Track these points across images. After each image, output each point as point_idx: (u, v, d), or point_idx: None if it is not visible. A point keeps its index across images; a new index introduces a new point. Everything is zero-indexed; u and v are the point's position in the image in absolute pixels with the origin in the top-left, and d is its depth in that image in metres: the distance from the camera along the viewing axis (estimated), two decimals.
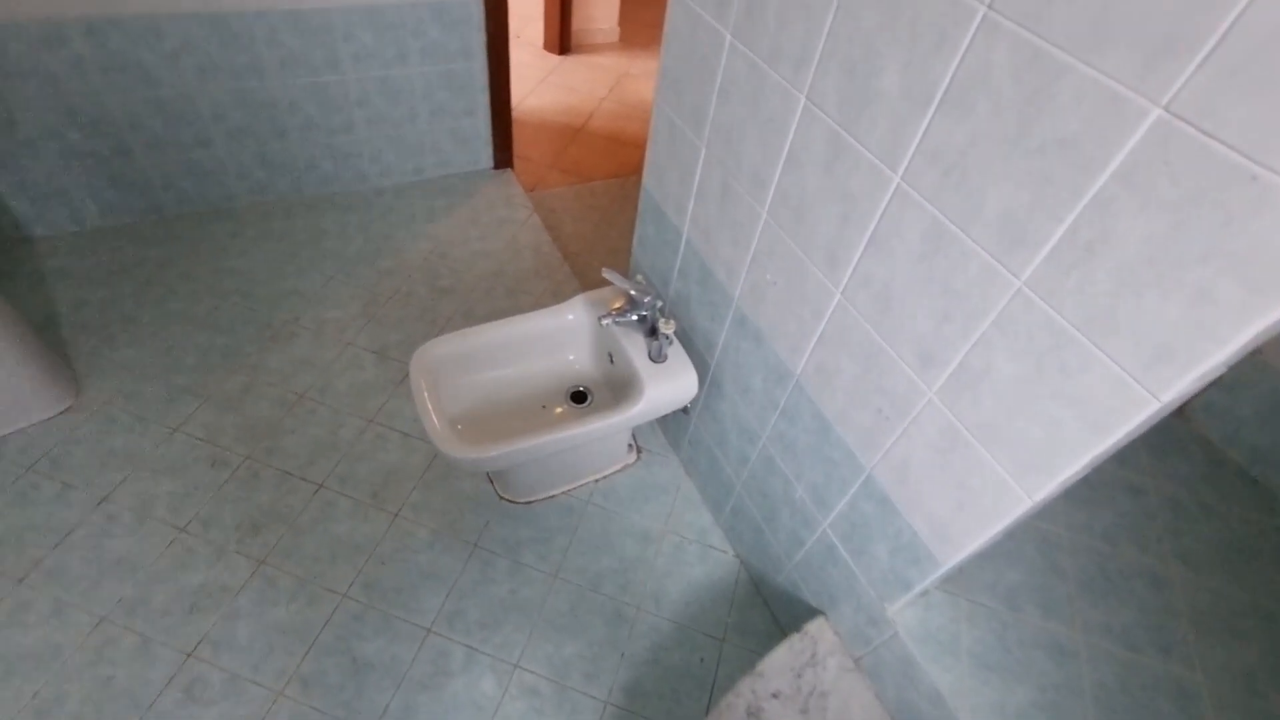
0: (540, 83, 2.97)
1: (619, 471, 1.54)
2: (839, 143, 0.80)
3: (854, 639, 1.07)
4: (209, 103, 1.74)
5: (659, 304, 1.24)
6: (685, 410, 1.44)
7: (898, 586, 0.94)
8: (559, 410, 1.35)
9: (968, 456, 0.76)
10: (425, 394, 1.16)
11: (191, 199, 1.91)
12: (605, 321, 1.23)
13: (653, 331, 1.25)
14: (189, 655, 1.18)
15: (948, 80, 0.64)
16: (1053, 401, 0.64)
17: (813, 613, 1.18)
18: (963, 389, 0.74)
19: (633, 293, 1.22)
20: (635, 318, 1.24)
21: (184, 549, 1.30)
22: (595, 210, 2.31)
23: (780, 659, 1.09)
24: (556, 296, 1.91)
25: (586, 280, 1.99)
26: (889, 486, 0.90)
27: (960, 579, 1.02)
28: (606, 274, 1.21)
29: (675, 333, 1.32)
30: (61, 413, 1.46)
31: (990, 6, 0.59)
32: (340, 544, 1.34)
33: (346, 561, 1.32)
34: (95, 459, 1.40)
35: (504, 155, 2.31)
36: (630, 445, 1.57)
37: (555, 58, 3.17)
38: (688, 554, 1.42)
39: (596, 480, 1.52)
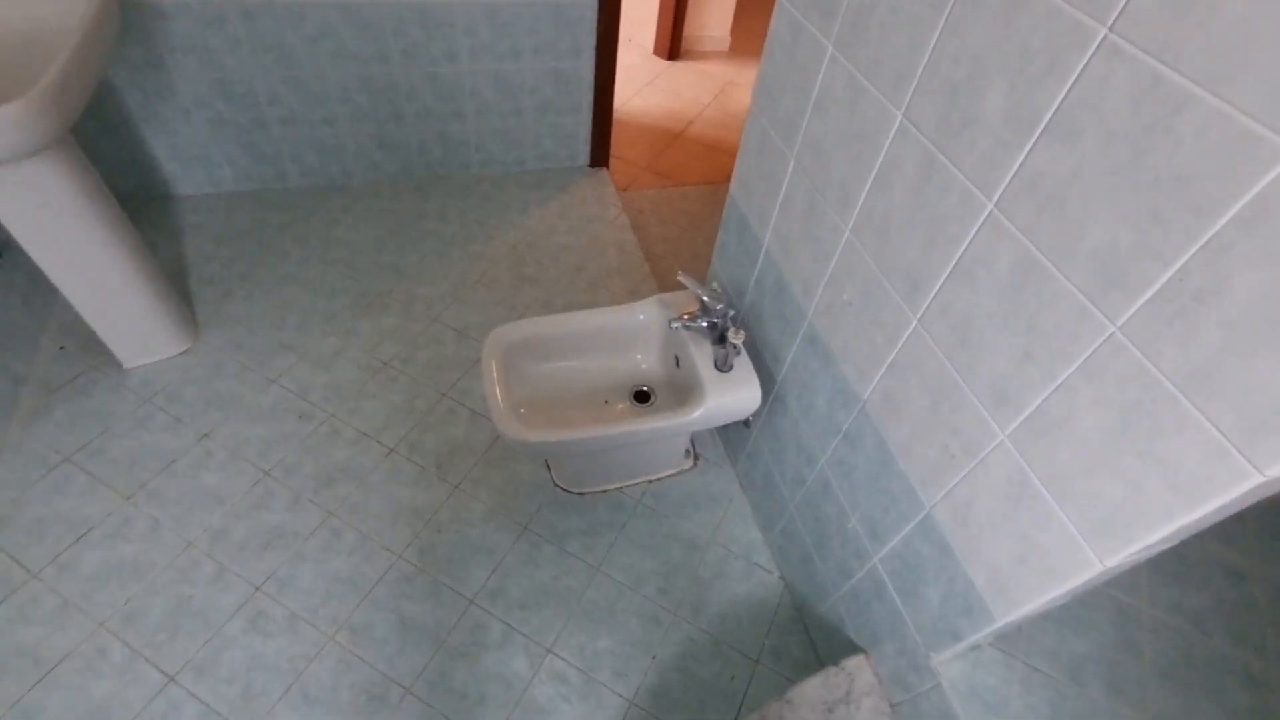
0: (645, 86, 3.01)
1: (673, 475, 1.54)
2: (932, 164, 0.76)
3: (893, 683, 1.02)
4: (338, 85, 1.88)
5: (731, 313, 1.23)
6: (746, 423, 1.42)
7: (946, 636, 0.89)
8: (621, 407, 1.37)
9: (1036, 508, 0.71)
10: (494, 375, 1.21)
11: (313, 172, 2.07)
12: (675, 325, 1.23)
13: (721, 339, 1.24)
14: (257, 589, 1.28)
15: (1056, 105, 0.60)
16: (1137, 460, 0.59)
17: (854, 649, 1.13)
18: (1038, 435, 0.69)
19: (705, 299, 1.22)
20: (705, 324, 1.24)
21: (265, 491, 1.41)
22: (684, 215, 2.32)
23: (812, 690, 1.05)
24: (634, 295, 1.93)
25: (665, 283, 2.00)
26: (948, 528, 0.85)
27: (1018, 639, 0.95)
28: (682, 277, 1.21)
29: (744, 344, 1.30)
30: (180, 354, 1.62)
31: (1111, 29, 0.55)
32: (402, 507, 1.42)
33: (405, 525, 1.39)
34: (202, 399, 1.55)
35: (601, 154, 2.36)
36: (688, 451, 1.57)
37: (664, 62, 3.20)
38: (732, 568, 1.40)
39: (650, 481, 1.52)
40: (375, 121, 2.00)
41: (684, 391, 1.31)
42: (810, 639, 1.30)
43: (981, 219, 0.71)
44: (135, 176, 1.92)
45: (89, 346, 1.58)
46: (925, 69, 0.75)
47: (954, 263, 0.76)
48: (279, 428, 1.52)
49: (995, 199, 0.69)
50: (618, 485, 1.50)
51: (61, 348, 1.59)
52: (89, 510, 1.34)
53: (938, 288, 0.79)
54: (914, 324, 0.85)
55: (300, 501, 1.40)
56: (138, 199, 1.96)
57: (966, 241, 0.74)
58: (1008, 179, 0.67)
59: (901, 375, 0.89)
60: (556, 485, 1.49)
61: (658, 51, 3.23)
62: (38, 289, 1.61)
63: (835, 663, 1.10)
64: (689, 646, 1.28)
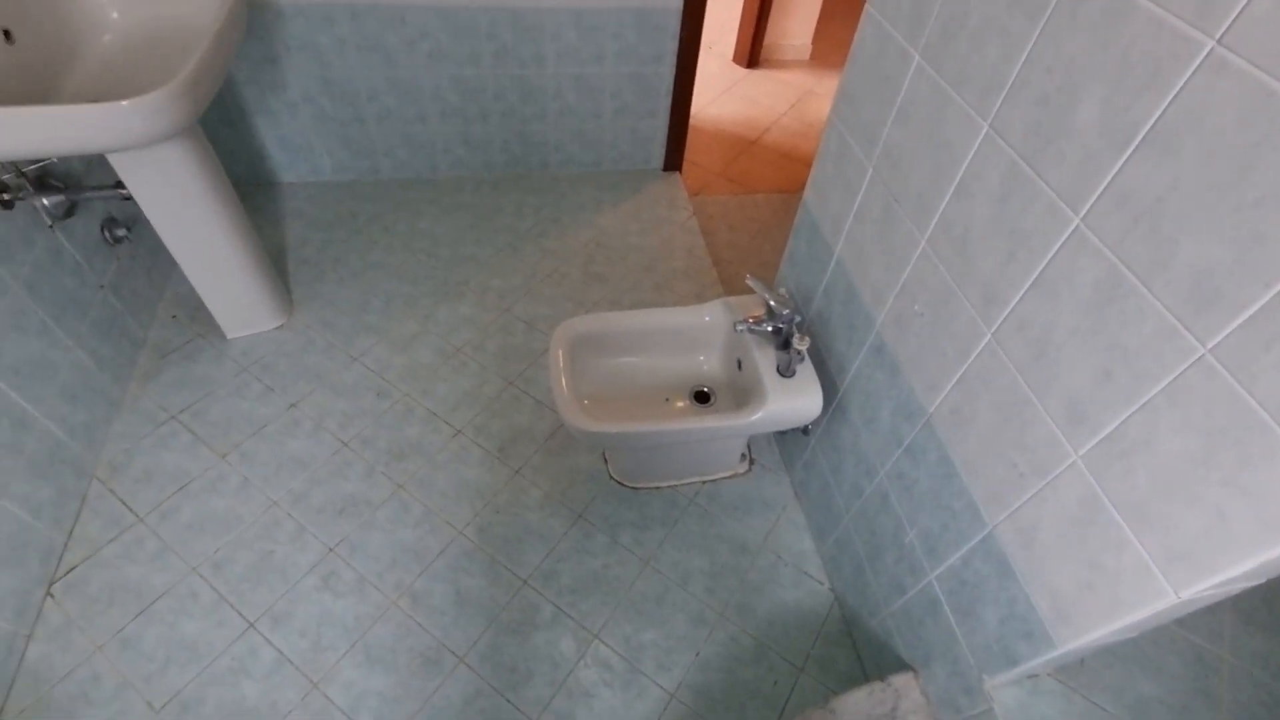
0: (723, 93, 3.03)
1: (728, 478, 1.54)
2: (1017, 175, 0.75)
3: (942, 704, 1.00)
4: (431, 85, 1.99)
5: (797, 319, 1.23)
6: (805, 431, 1.41)
7: (1001, 659, 0.87)
8: (681, 405, 1.39)
9: (1108, 533, 0.68)
10: (561, 365, 1.25)
11: (403, 166, 2.20)
12: (740, 328, 1.24)
13: (785, 345, 1.24)
14: (331, 550, 1.36)
15: (1155, 118, 0.59)
16: (1222, 489, 0.56)
17: (902, 666, 1.11)
18: (1114, 458, 0.67)
19: (772, 303, 1.22)
20: (770, 329, 1.24)
21: (343, 460, 1.51)
22: (754, 222, 2.32)
23: (857, 702, 1.04)
24: (699, 299, 1.95)
25: (732, 287, 2.01)
26: (1010, 549, 0.83)
27: (1080, 672, 0.91)
28: (750, 281, 1.23)
29: (808, 351, 1.30)
30: (276, 328, 1.75)
31: (1220, 41, 0.53)
32: (465, 486, 1.48)
33: (468, 503, 1.46)
34: (293, 371, 1.66)
35: (675, 158, 2.39)
36: (743, 455, 1.57)
37: (742, 70, 3.21)
38: (781, 575, 1.39)
39: (704, 482, 1.53)
40: (463, 120, 2.10)
41: (744, 394, 1.32)
42: (857, 653, 1.28)
43: (1067, 233, 0.69)
44: (246, 163, 2.08)
45: (198, 317, 1.72)
46: (1016, 79, 0.74)
47: (1034, 277, 0.75)
48: (359, 403, 1.61)
49: (1083, 213, 0.67)
50: (672, 483, 1.52)
51: (174, 316, 1.74)
52: (189, 465, 1.47)
53: (1015, 302, 0.78)
54: (987, 337, 0.83)
55: (374, 473, 1.49)
56: (246, 184, 2.12)
57: (1049, 255, 0.72)
58: (1097, 193, 0.65)
59: (971, 389, 0.88)
60: (612, 478, 1.53)
61: (737, 59, 3.24)
62: (158, 262, 1.77)
63: (882, 678, 1.08)
64: (733, 647, 1.29)
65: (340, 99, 1.97)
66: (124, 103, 1.05)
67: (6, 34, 1.14)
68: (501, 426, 1.60)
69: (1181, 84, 0.56)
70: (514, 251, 2.04)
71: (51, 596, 1.26)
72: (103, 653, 1.21)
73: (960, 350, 0.89)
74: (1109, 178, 0.64)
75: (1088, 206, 0.67)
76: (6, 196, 1.25)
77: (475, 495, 1.47)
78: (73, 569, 1.30)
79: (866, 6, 1.02)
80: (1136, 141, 0.61)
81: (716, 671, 1.26)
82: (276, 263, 1.91)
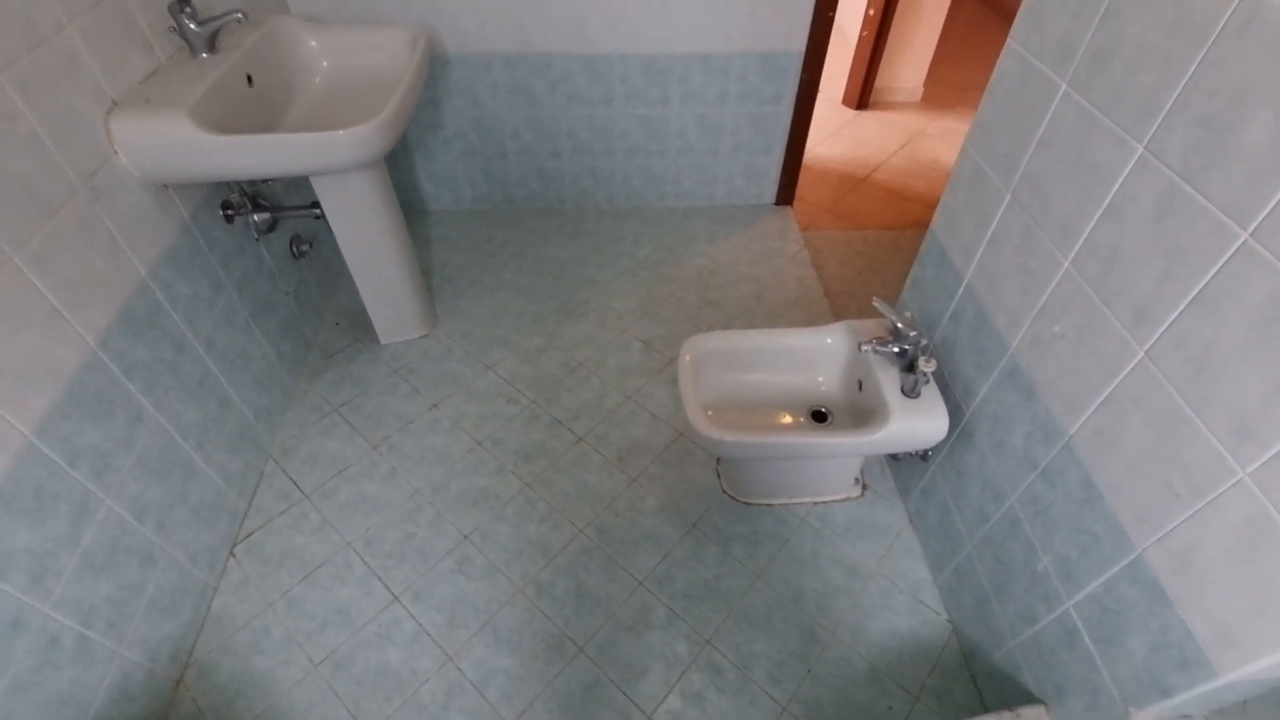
0: (832, 134, 3.09)
1: (840, 501, 1.55)
2: (1175, 195, 0.77)
3: None
4: (566, 123, 2.18)
5: (923, 341, 1.25)
6: (924, 456, 1.41)
7: (1152, 691, 0.84)
8: (799, 422, 1.43)
9: None
10: (689, 375, 1.33)
11: (535, 197, 2.40)
12: (865, 348, 1.28)
13: (910, 368, 1.26)
14: (465, 537, 1.48)
15: None
16: None
17: (1029, 700, 1.07)
18: None
19: (899, 325, 1.25)
20: (896, 350, 1.27)
21: (477, 458, 1.64)
22: (862, 257, 2.34)
23: None
24: (809, 326, 1.98)
25: (841, 317, 2.04)
26: (1163, 573, 0.81)
27: (1241, 717, 0.86)
28: (877, 303, 1.26)
29: (933, 374, 1.31)
30: (421, 337, 1.94)
31: None
32: (586, 489, 1.57)
33: (588, 505, 1.54)
34: (434, 375, 1.84)
35: (787, 194, 2.47)
36: (857, 480, 1.58)
37: (851, 112, 3.27)
38: (895, 602, 1.38)
39: (815, 503, 1.55)
40: (591, 155, 2.28)
41: (864, 415, 1.34)
42: (977, 686, 1.25)
43: (1233, 248, 0.70)
44: (402, 193, 2.35)
45: (357, 323, 1.95)
46: (1175, 103, 0.76)
47: (1194, 294, 0.75)
48: (491, 407, 1.76)
49: (1251, 228, 0.68)
50: (784, 501, 1.55)
51: (337, 323, 1.98)
52: (346, 452, 1.65)
53: (1172, 319, 0.78)
54: (1139, 356, 0.83)
55: (504, 471, 1.61)
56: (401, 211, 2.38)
57: (1212, 272, 0.73)
58: (1269, 208, 0.66)
59: (1119, 409, 0.87)
60: (725, 492, 1.57)
61: (846, 101, 3.31)
62: (327, 275, 2.02)
63: (1010, 709, 1.05)
64: (845, 668, 1.28)
65: (487, 137, 2.20)
66: (339, 132, 1.25)
67: (249, 78, 1.39)
68: (620, 437, 1.69)
69: None
70: (632, 276, 2.17)
71: (234, 556, 1.45)
72: (273, 609, 1.37)
73: (1107, 370, 0.89)
74: None
75: (1257, 221, 0.68)
76: (230, 212, 1.50)
77: (595, 499, 1.56)
78: (251, 534, 1.49)
79: (1009, 41, 1.06)
80: None
81: (828, 689, 1.26)
82: (424, 280, 2.12)
